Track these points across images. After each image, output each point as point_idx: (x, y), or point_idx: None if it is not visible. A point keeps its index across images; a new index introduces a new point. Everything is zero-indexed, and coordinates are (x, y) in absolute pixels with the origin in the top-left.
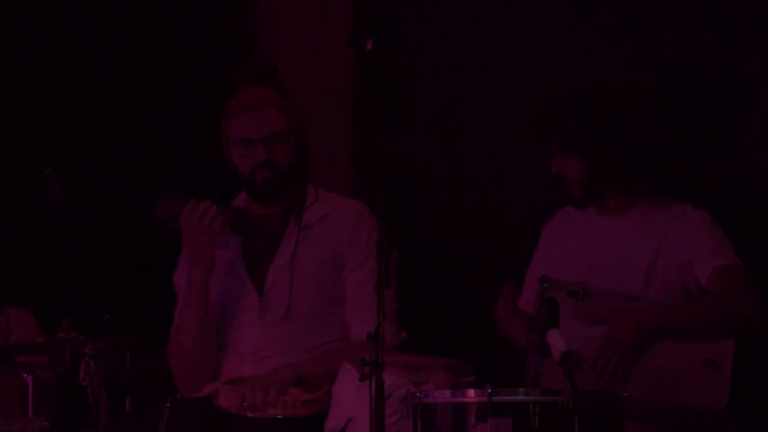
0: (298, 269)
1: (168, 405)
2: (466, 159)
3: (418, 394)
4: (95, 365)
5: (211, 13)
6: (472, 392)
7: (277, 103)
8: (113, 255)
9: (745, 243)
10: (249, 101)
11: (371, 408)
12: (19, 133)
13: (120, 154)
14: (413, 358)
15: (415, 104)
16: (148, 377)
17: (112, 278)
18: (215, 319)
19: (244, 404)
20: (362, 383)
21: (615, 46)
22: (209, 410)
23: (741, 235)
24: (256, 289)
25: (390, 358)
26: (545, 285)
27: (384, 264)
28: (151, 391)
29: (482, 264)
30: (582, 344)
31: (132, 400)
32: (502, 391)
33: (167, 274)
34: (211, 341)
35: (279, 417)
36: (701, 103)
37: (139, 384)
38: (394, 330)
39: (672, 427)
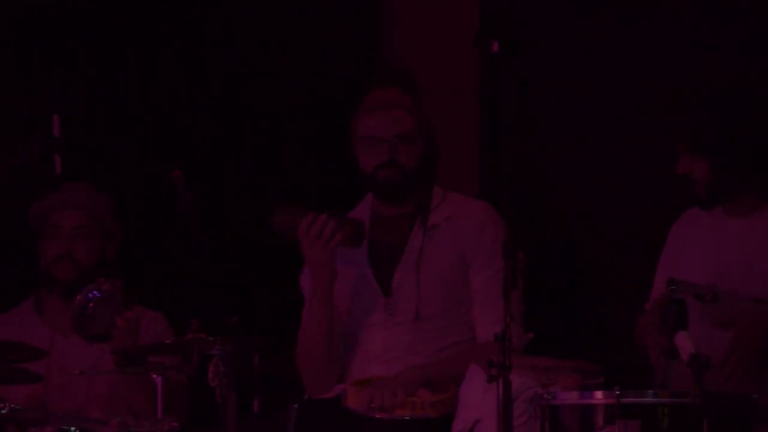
0: (425, 270)
1: (296, 406)
2: (592, 158)
3: (545, 395)
4: (224, 366)
5: (338, 15)
6: (600, 394)
7: (406, 104)
8: (241, 256)
9: None
10: (378, 101)
11: (499, 410)
12: (149, 136)
13: (245, 156)
14: (541, 360)
15: (541, 105)
16: (276, 378)
17: (240, 279)
18: (341, 320)
19: (372, 405)
20: (490, 385)
21: (744, 44)
22: (337, 411)
23: None
24: (383, 290)
25: (517, 360)
26: (673, 287)
27: (511, 265)
28: (279, 393)
29: (609, 265)
30: (710, 347)
31: (260, 402)
32: (630, 393)
33: (295, 275)
34: (338, 344)
35: (407, 418)
36: None
37: (268, 385)
38: (522, 331)
39: None
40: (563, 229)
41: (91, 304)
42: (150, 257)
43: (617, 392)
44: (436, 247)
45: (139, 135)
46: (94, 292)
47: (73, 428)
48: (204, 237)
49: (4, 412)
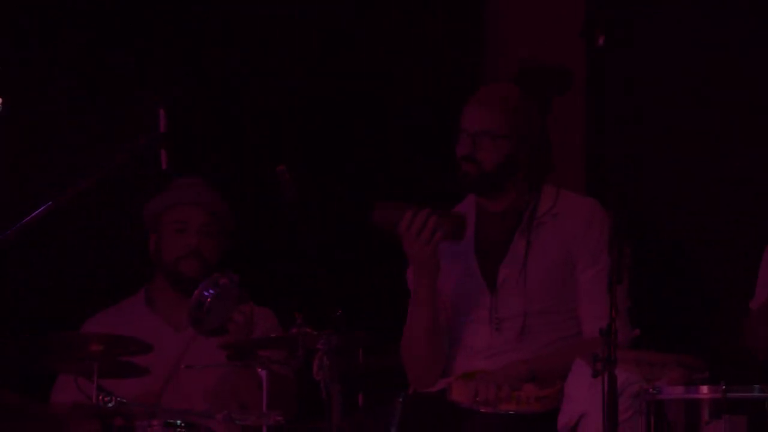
0: (531, 266)
1: (401, 400)
2: (699, 153)
3: (651, 390)
4: (328, 361)
5: (441, 11)
6: (705, 389)
7: (505, 100)
8: (346, 250)
9: None
10: (479, 94)
11: (604, 404)
12: (254, 130)
13: (352, 149)
14: (646, 355)
15: (646, 99)
16: (380, 372)
17: (345, 274)
18: (446, 315)
19: (477, 399)
20: (595, 380)
21: None
22: (442, 405)
23: None
24: (488, 286)
25: (623, 355)
26: None
27: (616, 260)
28: (383, 387)
29: (714, 259)
30: None
31: (365, 396)
32: (736, 388)
33: (400, 268)
34: (442, 338)
35: (512, 413)
36: None
37: (372, 379)
38: (627, 327)
39: None
40: (669, 224)
41: (208, 299)
42: (255, 252)
43: (723, 387)
44: (542, 244)
45: (244, 129)
46: (212, 286)
47: (179, 421)
48: (309, 231)
49: (111, 405)
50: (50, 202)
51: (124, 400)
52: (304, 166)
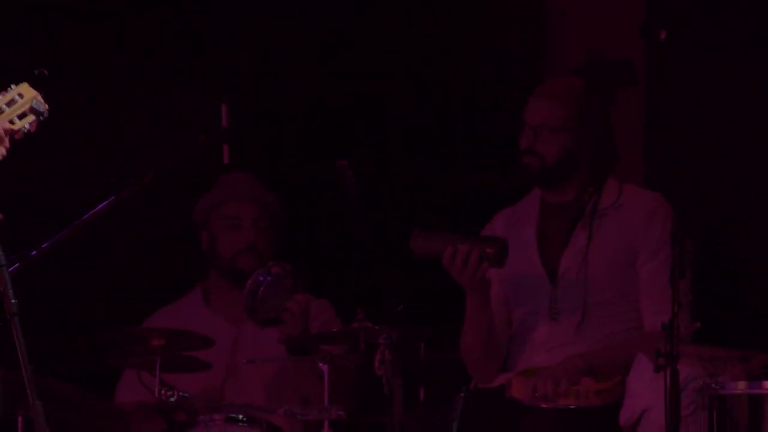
0: (592, 258)
1: (462, 395)
2: (760, 147)
3: (713, 385)
4: (390, 355)
5: (501, 10)
6: None
7: (567, 96)
8: (407, 245)
9: None
10: (543, 87)
11: (666, 399)
12: (315, 125)
13: (411, 143)
14: (708, 350)
15: (707, 94)
16: (441, 367)
17: (405, 268)
18: (506, 309)
19: (536, 394)
20: (657, 375)
21: None
22: (502, 400)
23: None
24: (549, 278)
25: (685, 350)
26: None
27: (679, 254)
28: (445, 381)
29: None
30: None
31: (426, 390)
32: None
33: None
34: (499, 336)
35: (572, 407)
36: None
37: (433, 374)
38: (689, 321)
39: None
40: (730, 217)
41: (261, 288)
42: (316, 246)
43: None
44: (604, 237)
45: (305, 124)
46: (265, 275)
47: (241, 416)
48: (369, 225)
49: (173, 400)
50: (112, 197)
51: (186, 395)
52: (365, 161)
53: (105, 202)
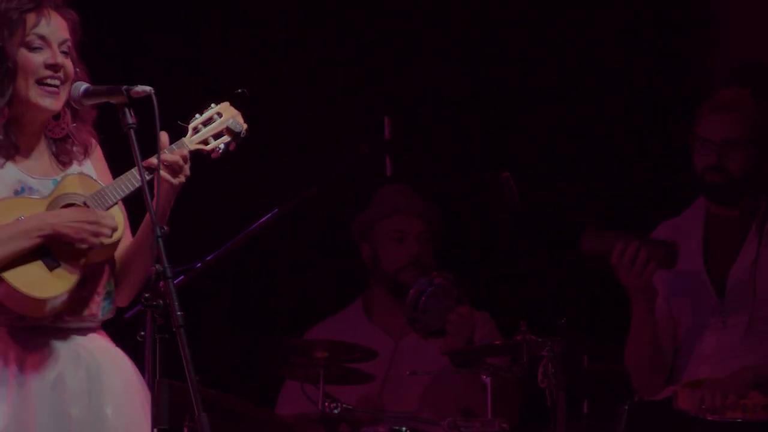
0: (761, 273)
1: (626, 408)
2: None
3: None
4: (553, 368)
5: (667, 13)
6: None
7: (747, 107)
8: (569, 256)
9: None
10: (719, 101)
11: None
12: (476, 137)
13: (570, 156)
14: None
15: None
16: (606, 379)
17: (568, 280)
18: (670, 321)
19: (703, 407)
20: None
21: None
22: (668, 413)
23: None
24: (715, 290)
25: None
26: None
27: None
28: (609, 394)
29: None
30: None
31: (590, 403)
32: None
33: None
34: (665, 348)
35: (738, 420)
36: None
37: (597, 386)
38: None
39: None
40: None
41: (423, 298)
42: (478, 259)
43: None
44: None
45: (466, 136)
46: (427, 285)
47: (404, 428)
48: (532, 238)
49: (336, 412)
50: (275, 210)
51: (350, 407)
52: (527, 173)
53: (269, 215)
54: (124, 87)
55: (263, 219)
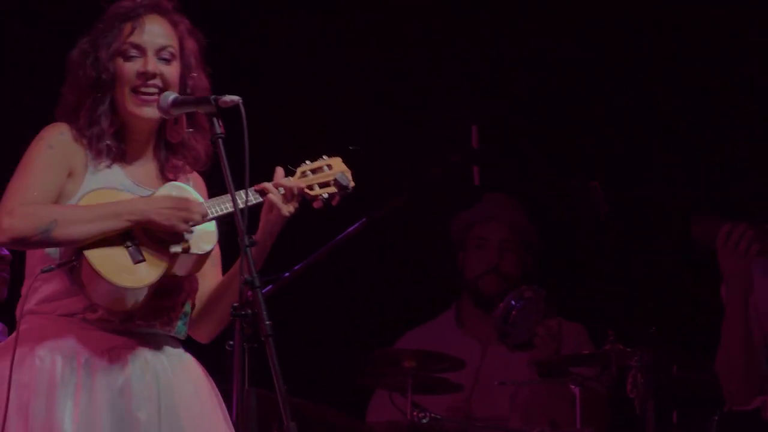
0: None
1: (716, 418)
2: None
3: None
4: (642, 377)
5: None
6: None
7: None
8: (658, 266)
9: None
10: None
11: None
12: (565, 146)
13: (662, 164)
14: None
15: None
16: (695, 389)
17: (657, 289)
18: (762, 332)
19: None
20: None
21: None
22: (758, 423)
23: None
24: None
25: None
26: None
27: None
28: (698, 403)
29: None
30: None
31: (679, 413)
32: None
33: (713, 283)
34: (757, 356)
35: None
36: None
37: (686, 396)
38: None
39: None
40: None
41: (513, 312)
42: (566, 268)
43: None
44: None
45: (555, 145)
46: (517, 299)
47: None
48: (620, 247)
49: (425, 421)
50: (363, 219)
51: (438, 416)
52: (615, 182)
53: (357, 224)
54: (213, 96)
55: (351, 228)
